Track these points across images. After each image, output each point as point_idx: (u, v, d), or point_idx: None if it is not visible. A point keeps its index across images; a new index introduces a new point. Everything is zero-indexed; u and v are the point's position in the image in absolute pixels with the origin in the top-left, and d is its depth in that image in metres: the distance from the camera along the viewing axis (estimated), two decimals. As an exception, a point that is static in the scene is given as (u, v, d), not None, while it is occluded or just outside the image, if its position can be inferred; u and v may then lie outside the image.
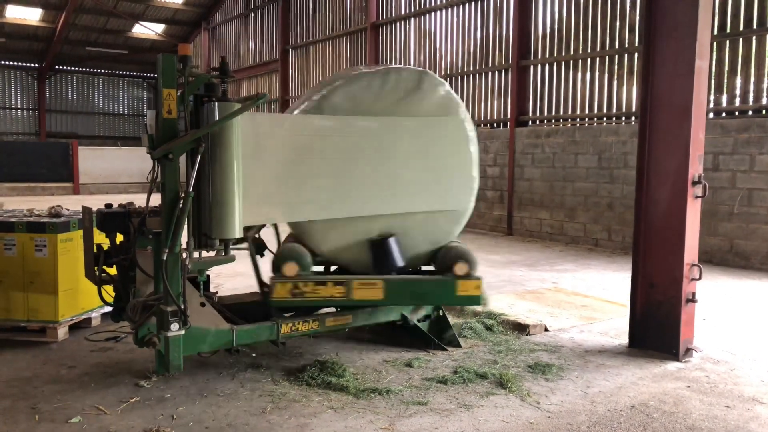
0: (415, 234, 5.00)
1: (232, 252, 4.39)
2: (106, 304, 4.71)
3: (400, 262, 4.91)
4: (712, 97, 10.23)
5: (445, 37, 15.75)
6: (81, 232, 5.33)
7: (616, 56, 11.77)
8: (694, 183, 5.08)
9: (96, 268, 4.61)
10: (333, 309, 5.27)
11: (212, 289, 5.07)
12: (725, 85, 10.18)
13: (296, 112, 4.96)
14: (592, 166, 11.85)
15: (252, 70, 25.29)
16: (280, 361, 4.95)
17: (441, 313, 5.49)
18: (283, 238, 5.42)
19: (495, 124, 14.31)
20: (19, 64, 30.34)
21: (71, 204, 7.70)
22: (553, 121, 13.00)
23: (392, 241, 4.89)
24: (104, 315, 5.79)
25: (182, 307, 4.02)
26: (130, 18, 27.63)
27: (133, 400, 4.17)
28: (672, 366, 5.00)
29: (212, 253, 4.41)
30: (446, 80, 15.99)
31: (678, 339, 5.12)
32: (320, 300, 4.76)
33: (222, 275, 7.83)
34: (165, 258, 3.93)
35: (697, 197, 5.13)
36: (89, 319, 5.78)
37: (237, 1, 26.30)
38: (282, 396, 4.26)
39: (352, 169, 4.74)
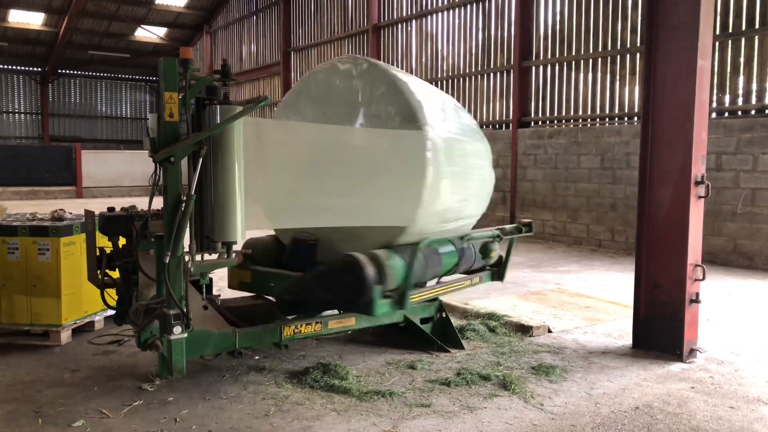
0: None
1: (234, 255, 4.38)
2: (109, 307, 4.70)
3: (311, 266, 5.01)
4: (714, 97, 10.21)
5: (446, 39, 15.76)
6: (84, 235, 5.33)
7: (618, 57, 11.76)
8: (697, 183, 5.07)
9: (99, 271, 4.60)
10: (336, 311, 5.27)
11: (214, 292, 5.07)
12: (728, 85, 10.16)
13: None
14: (594, 166, 11.83)
15: (254, 72, 25.32)
16: (282, 364, 4.95)
17: (444, 314, 5.48)
18: None
19: (497, 126, 14.30)
20: (22, 68, 30.43)
21: (74, 208, 7.71)
22: (556, 122, 12.99)
23: (310, 247, 5.05)
24: (107, 318, 5.80)
25: (185, 310, 4.01)
26: (133, 22, 27.70)
27: (136, 403, 4.17)
28: (676, 367, 4.99)
29: (214, 256, 4.41)
30: (448, 82, 16.00)
31: (682, 340, 5.11)
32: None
33: (224, 278, 7.81)
34: (167, 261, 3.93)
35: (700, 197, 5.12)
36: (92, 323, 5.78)
37: (239, 4, 26.36)
38: (285, 399, 4.26)
39: (327, 177, 4.72)
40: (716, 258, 9.78)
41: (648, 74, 5.30)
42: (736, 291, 7.91)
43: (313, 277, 4.79)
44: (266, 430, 3.81)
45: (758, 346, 5.57)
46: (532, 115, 13.40)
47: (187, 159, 4.05)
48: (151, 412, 4.05)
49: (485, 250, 5.67)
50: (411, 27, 16.93)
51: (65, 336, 5.43)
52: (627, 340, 5.60)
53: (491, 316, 6.20)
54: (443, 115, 5.27)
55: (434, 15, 16.09)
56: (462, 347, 5.36)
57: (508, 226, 5.99)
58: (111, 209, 4.57)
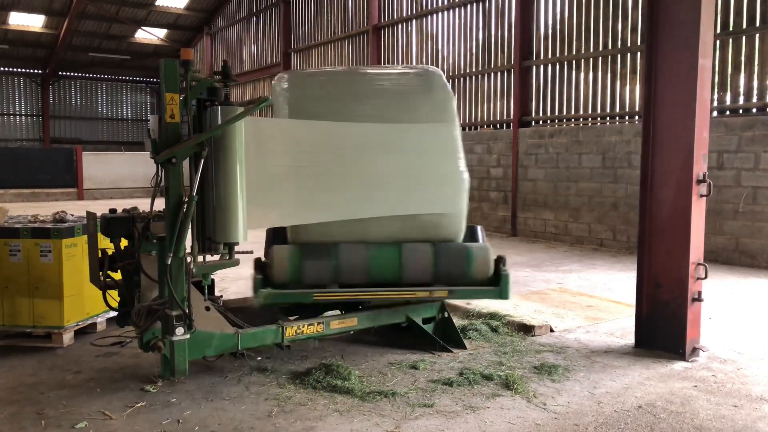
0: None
1: (236, 256, 4.39)
2: (111, 309, 4.71)
3: None
4: (715, 96, 10.20)
5: (447, 39, 15.76)
6: (86, 237, 5.34)
7: (619, 56, 11.75)
8: (699, 182, 5.06)
9: (101, 273, 4.61)
10: (338, 312, 5.28)
11: (216, 293, 5.07)
12: (729, 83, 10.15)
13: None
14: (596, 166, 11.83)
15: (254, 73, 25.34)
16: (285, 365, 4.95)
17: (446, 314, 5.48)
18: None
19: (498, 125, 14.30)
20: (23, 70, 30.46)
21: (75, 209, 7.72)
22: (557, 121, 12.98)
23: None
24: (109, 320, 5.80)
25: (187, 311, 4.02)
26: (133, 23, 27.72)
27: (138, 404, 4.17)
28: (679, 366, 4.98)
29: (216, 257, 4.42)
30: (449, 81, 16.06)
31: (684, 338, 5.10)
32: None
33: (226, 279, 7.83)
34: (169, 262, 3.94)
35: (702, 196, 5.11)
36: (94, 324, 5.78)
37: (239, 6, 26.38)
38: (287, 399, 4.26)
39: (351, 171, 4.74)
40: (718, 257, 9.77)
41: (649, 73, 5.30)
42: (738, 289, 7.90)
43: None
44: (269, 431, 3.81)
45: (761, 344, 5.56)
46: (533, 115, 13.39)
47: (188, 160, 4.06)
48: (154, 413, 4.05)
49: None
50: (411, 27, 16.93)
51: (67, 338, 5.44)
52: (629, 339, 5.60)
53: (493, 315, 6.19)
54: None
55: (434, 15, 16.09)
56: (464, 347, 5.36)
57: None
58: (113, 211, 4.58)
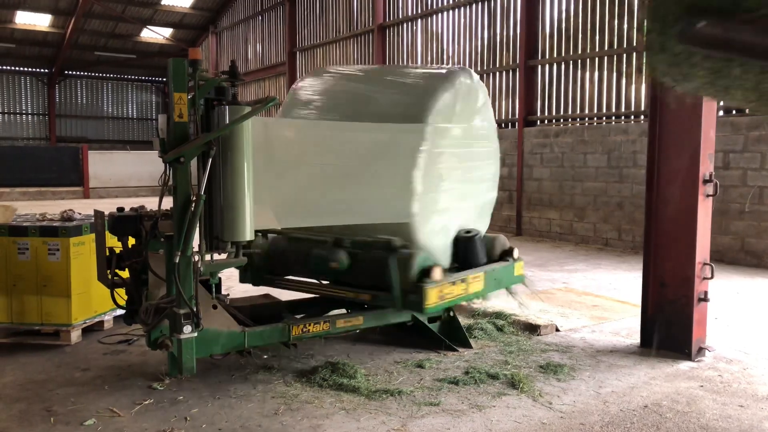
0: None
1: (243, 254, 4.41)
2: (119, 307, 4.73)
3: (483, 258, 5.40)
4: (721, 95, 10.16)
5: (452, 38, 15.75)
6: (93, 235, 5.37)
7: (624, 55, 11.73)
8: (705, 181, 5.06)
9: (108, 271, 4.64)
10: (344, 310, 5.29)
11: (224, 292, 5.09)
12: (735, 83, 10.11)
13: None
14: (601, 165, 11.81)
15: (259, 72, 25.38)
16: (291, 363, 4.97)
17: (451, 313, 5.49)
18: None
19: (503, 124, 14.28)
20: (29, 69, 30.59)
21: (82, 208, 7.75)
22: (562, 120, 12.97)
23: (477, 240, 5.32)
24: (116, 318, 5.83)
25: (194, 309, 4.04)
26: (138, 22, 27.80)
27: (146, 402, 4.20)
28: (684, 365, 4.98)
29: (224, 256, 4.44)
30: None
31: (690, 338, 5.10)
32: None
33: (232, 277, 7.85)
34: (177, 261, 3.96)
35: (708, 196, 5.10)
36: (102, 322, 5.82)
37: (244, 5, 26.42)
38: (294, 397, 4.28)
39: (368, 173, 4.77)
40: (724, 256, 9.74)
41: (655, 72, 5.28)
42: (744, 289, 7.89)
43: None
44: (276, 429, 3.83)
45: (767, 344, 5.55)
46: (538, 114, 13.38)
47: (196, 159, 4.07)
48: (162, 410, 4.08)
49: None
50: (416, 26, 16.93)
51: (75, 335, 5.47)
52: (635, 338, 5.60)
53: (499, 315, 6.20)
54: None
55: (439, 14, 16.08)
56: (470, 346, 5.37)
57: None
58: (120, 209, 4.60)
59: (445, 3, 15.81)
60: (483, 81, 14.66)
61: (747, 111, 9.84)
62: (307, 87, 5.72)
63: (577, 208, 12.31)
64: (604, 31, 12.06)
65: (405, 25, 17.31)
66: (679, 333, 5.17)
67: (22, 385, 4.53)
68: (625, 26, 11.68)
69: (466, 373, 4.73)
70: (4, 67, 29.92)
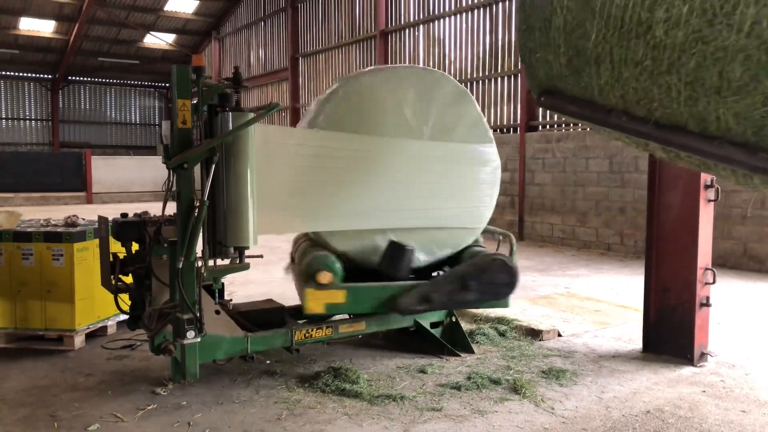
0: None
1: (246, 260, 4.43)
2: (123, 312, 4.76)
3: (406, 272, 4.97)
4: (723, 100, 10.18)
5: (454, 44, 15.80)
6: (97, 241, 5.40)
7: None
8: (707, 186, 5.07)
9: (112, 276, 4.66)
10: (346, 316, 5.31)
11: (226, 297, 5.11)
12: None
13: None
14: (603, 170, 11.82)
15: (262, 78, 25.46)
16: (294, 368, 4.98)
17: (454, 318, 5.50)
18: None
19: (505, 130, 14.32)
20: (33, 75, 30.72)
21: (85, 213, 7.80)
22: (564, 126, 12.99)
23: (408, 250, 4.94)
24: (120, 323, 5.86)
25: (198, 314, 4.06)
26: (142, 28, 27.92)
27: (149, 407, 4.21)
28: (687, 371, 4.98)
29: (227, 261, 4.46)
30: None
31: (692, 343, 5.10)
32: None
33: (235, 283, 7.88)
34: (180, 266, 3.98)
35: (709, 201, 5.12)
36: (105, 328, 5.84)
37: (247, 11, 26.52)
38: (297, 403, 4.29)
39: (367, 183, 4.79)
40: (726, 261, 9.74)
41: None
42: (746, 294, 7.88)
43: (456, 279, 4.88)
44: (279, 434, 3.84)
45: (769, 349, 5.55)
46: (540, 119, 13.40)
47: (199, 165, 4.10)
48: (165, 415, 4.09)
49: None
50: (418, 32, 16.99)
51: (79, 341, 5.49)
52: (637, 343, 5.60)
53: (501, 320, 6.20)
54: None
55: (441, 20, 16.14)
56: (472, 351, 5.38)
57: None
58: (124, 215, 4.63)
59: (447, 9, 15.87)
60: (485, 86, 14.81)
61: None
62: None
63: (579, 213, 12.32)
64: (606, 37, 12.07)
65: (407, 30, 17.37)
66: (682, 338, 5.17)
67: (27, 390, 4.55)
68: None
69: (469, 378, 4.73)
70: (8, 73, 30.06)
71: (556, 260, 10.77)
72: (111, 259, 4.69)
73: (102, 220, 5.02)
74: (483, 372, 4.84)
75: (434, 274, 5.23)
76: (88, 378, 4.81)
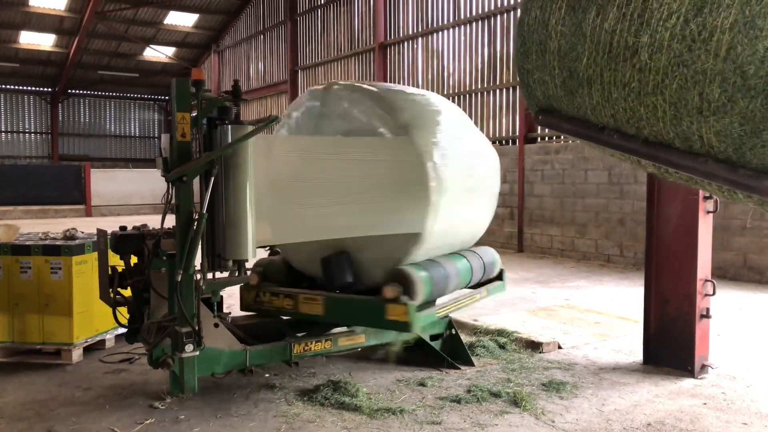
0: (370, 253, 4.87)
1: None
2: (121, 325, 4.74)
3: (349, 278, 4.80)
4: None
5: (452, 56, 15.87)
6: (95, 254, 5.39)
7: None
8: (706, 198, 5.07)
9: (111, 289, 4.65)
10: (345, 328, 5.29)
11: (225, 310, 5.09)
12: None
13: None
14: (602, 181, 11.84)
15: (261, 91, 25.55)
16: (293, 382, 4.96)
17: (453, 331, 5.48)
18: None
19: (504, 142, 14.35)
20: (33, 88, 30.81)
21: (84, 226, 7.78)
22: (562, 137, 13.02)
23: (343, 258, 4.82)
24: (118, 336, 5.83)
25: (196, 328, 4.05)
26: (142, 42, 28.04)
27: (147, 421, 4.19)
28: (687, 383, 4.96)
29: (225, 274, 4.45)
30: (454, 98, 16.01)
31: (693, 355, 5.09)
32: (273, 309, 4.95)
33: (234, 296, 7.84)
34: (179, 279, 3.97)
35: (708, 212, 5.12)
36: (103, 341, 5.81)
37: (246, 24, 26.67)
38: (296, 417, 4.27)
39: (336, 190, 4.66)
40: (726, 273, 9.73)
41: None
42: (746, 306, 7.87)
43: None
44: (278, 448, 3.81)
45: (770, 361, 5.53)
46: (539, 131, 13.44)
47: (199, 178, 4.10)
48: (163, 430, 4.07)
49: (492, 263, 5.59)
50: (417, 45, 17.07)
51: (77, 354, 5.47)
52: (637, 355, 5.58)
53: (501, 332, 6.18)
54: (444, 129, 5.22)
55: (440, 32, 16.23)
56: (472, 364, 5.35)
57: None
58: (123, 228, 4.63)
59: (446, 21, 15.96)
60: (484, 98, 14.87)
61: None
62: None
63: (578, 225, 12.32)
64: (604, 49, 12.13)
65: (406, 43, 17.45)
66: (682, 350, 5.16)
67: (24, 405, 4.52)
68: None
69: (468, 391, 4.71)
70: (8, 87, 30.16)
71: (555, 272, 10.76)
72: (110, 272, 4.69)
73: (101, 233, 5.01)
74: (483, 385, 4.82)
75: None
76: (86, 392, 4.78)
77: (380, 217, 4.67)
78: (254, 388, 4.81)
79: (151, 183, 23.97)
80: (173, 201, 4.12)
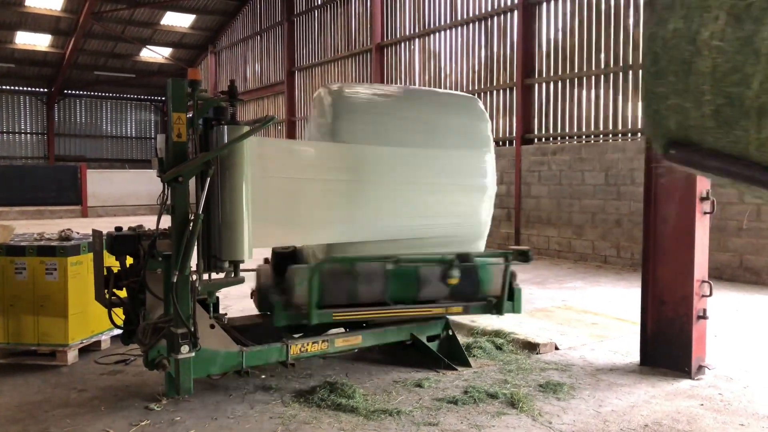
0: None
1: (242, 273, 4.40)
2: (116, 326, 4.72)
3: None
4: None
5: (449, 57, 15.88)
6: (91, 255, 5.36)
7: (621, 73, 11.82)
8: (703, 199, 5.07)
9: (106, 290, 4.63)
10: (342, 329, 5.28)
11: (221, 311, 5.07)
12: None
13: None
14: (599, 183, 11.85)
15: (258, 92, 25.53)
16: (289, 383, 4.94)
17: (450, 332, 5.47)
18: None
19: (501, 143, 14.35)
20: (29, 89, 30.73)
21: (80, 227, 7.76)
22: (559, 138, 13.03)
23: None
24: (113, 338, 5.80)
25: (192, 329, 4.03)
26: (138, 42, 27.99)
27: (143, 423, 4.16)
28: (684, 384, 4.96)
29: (221, 275, 4.43)
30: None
31: (690, 356, 5.08)
32: None
33: (229, 296, 7.83)
34: (175, 280, 3.95)
35: (705, 213, 5.12)
36: (99, 342, 5.78)
37: (243, 25, 26.64)
38: (292, 418, 4.25)
39: (362, 195, 4.77)
40: (723, 274, 9.75)
41: (651, 91, 5.32)
42: (743, 307, 7.87)
43: None
44: (274, 450, 3.79)
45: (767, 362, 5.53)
46: (536, 132, 13.45)
47: (194, 179, 4.08)
48: (159, 431, 4.05)
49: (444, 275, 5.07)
50: (414, 45, 17.07)
51: (72, 356, 5.44)
52: (634, 356, 5.58)
53: (498, 333, 6.18)
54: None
55: (437, 33, 16.23)
56: (469, 365, 5.34)
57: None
58: (119, 229, 4.60)
59: (443, 22, 15.97)
60: (480, 99, 14.82)
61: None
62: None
63: (575, 226, 12.33)
64: (600, 50, 12.16)
65: (403, 44, 17.45)
66: (679, 351, 5.15)
67: (19, 406, 4.49)
68: (621, 45, 11.78)
69: (465, 392, 4.70)
70: (4, 87, 30.06)
71: (552, 273, 10.76)
72: (105, 273, 4.66)
73: (96, 233, 4.99)
74: (480, 386, 4.80)
75: None
76: (81, 393, 4.75)
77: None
78: (250, 389, 4.79)
79: (147, 184, 23.88)
80: (169, 202, 4.11)
